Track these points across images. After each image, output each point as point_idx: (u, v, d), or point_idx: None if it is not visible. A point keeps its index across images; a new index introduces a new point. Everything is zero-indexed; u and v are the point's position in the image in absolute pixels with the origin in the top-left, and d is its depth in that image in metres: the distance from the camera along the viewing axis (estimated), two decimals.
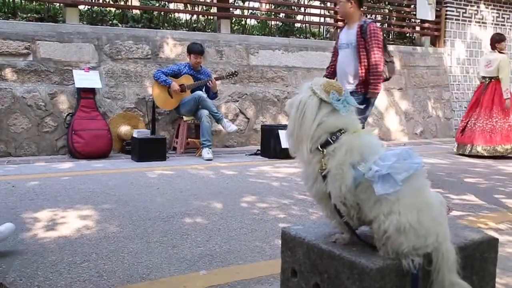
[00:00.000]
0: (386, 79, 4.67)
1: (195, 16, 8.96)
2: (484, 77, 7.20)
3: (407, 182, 1.48)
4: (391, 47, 9.32)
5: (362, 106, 4.37)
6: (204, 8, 8.56)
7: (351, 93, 4.34)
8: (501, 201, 4.12)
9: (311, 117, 1.58)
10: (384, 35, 8.52)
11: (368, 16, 10.67)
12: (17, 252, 2.64)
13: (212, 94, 6.67)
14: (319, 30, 10.40)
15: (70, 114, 6.22)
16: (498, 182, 5.01)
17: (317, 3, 10.07)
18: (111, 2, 7.91)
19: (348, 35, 4.66)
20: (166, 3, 8.15)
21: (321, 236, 1.68)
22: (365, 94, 4.54)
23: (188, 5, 8.13)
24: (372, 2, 10.43)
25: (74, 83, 6.23)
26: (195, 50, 6.59)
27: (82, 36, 6.51)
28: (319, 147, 1.58)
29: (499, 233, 3.06)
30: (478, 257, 1.69)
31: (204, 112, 6.29)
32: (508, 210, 3.82)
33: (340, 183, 1.53)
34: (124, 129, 6.43)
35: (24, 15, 7.00)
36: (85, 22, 7.19)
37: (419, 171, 1.53)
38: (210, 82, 6.55)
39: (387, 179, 1.46)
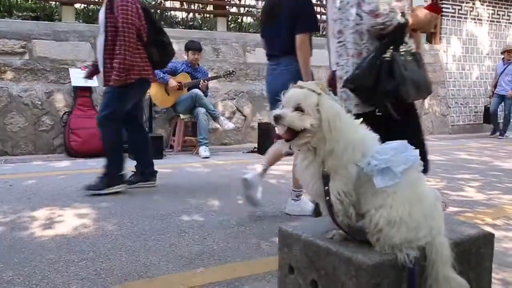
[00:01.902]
0: (157, 63, 4.17)
1: (191, 14, 8.95)
2: None
3: (404, 175, 1.49)
4: None
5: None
6: (201, 6, 8.55)
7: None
8: (498, 197, 4.14)
9: (352, 125, 1.57)
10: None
11: None
12: (15, 250, 2.64)
13: (203, 93, 6.64)
14: None
15: (67, 113, 6.21)
16: (494, 178, 5.03)
17: (313, 1, 10.07)
18: None
19: (101, 13, 3.96)
20: (162, 1, 8.14)
21: (318, 233, 1.69)
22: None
23: (185, 3, 8.13)
24: None
25: (70, 82, 6.23)
26: (192, 46, 6.59)
27: (78, 34, 6.50)
28: None
29: (496, 228, 3.08)
30: (474, 253, 1.70)
31: (201, 110, 6.29)
32: (505, 206, 3.84)
33: (346, 181, 1.53)
34: None
35: (20, 14, 6.98)
36: (81, 21, 7.18)
37: (415, 164, 1.54)
38: (201, 83, 6.54)
39: (386, 172, 1.47)
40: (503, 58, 9.87)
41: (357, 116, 2.06)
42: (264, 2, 3.67)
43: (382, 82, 2.11)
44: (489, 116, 9.97)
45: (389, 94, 2.14)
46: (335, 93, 2.46)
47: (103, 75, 4.03)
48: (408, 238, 1.47)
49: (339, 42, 2.37)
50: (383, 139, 1.61)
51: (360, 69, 2.18)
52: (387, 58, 2.14)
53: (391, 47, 2.16)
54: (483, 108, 10.45)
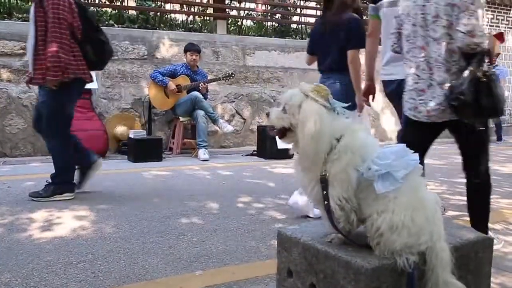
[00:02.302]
0: (94, 62, 3.95)
1: (191, 17, 8.96)
2: None
3: (405, 180, 1.49)
4: None
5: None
6: (200, 9, 8.57)
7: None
8: (496, 201, 4.13)
9: (325, 127, 1.54)
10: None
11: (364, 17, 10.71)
12: (13, 252, 2.63)
13: (202, 95, 6.64)
14: None
15: None
16: (493, 183, 5.00)
17: (313, 4, 10.09)
18: (107, 3, 7.90)
19: (31, 9, 3.78)
20: (162, 3, 8.15)
21: (317, 236, 1.69)
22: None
23: (184, 5, 8.14)
24: (366, 3, 10.45)
25: None
26: (191, 48, 6.61)
27: None
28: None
29: (494, 232, 3.07)
30: (473, 257, 1.70)
31: (200, 113, 6.29)
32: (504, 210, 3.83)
33: (347, 186, 1.53)
34: (120, 129, 6.42)
35: (20, 15, 6.98)
36: None
37: (416, 169, 1.54)
38: (200, 85, 6.54)
39: (387, 177, 1.47)
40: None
41: (424, 124, 2.56)
42: (316, 21, 3.99)
43: (482, 99, 2.33)
44: None
45: (490, 111, 2.39)
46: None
47: (33, 76, 3.74)
48: (409, 243, 1.47)
49: (422, 57, 2.54)
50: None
51: (464, 86, 2.35)
52: (483, 77, 2.34)
53: (480, 67, 2.38)
54: None
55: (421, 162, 2.60)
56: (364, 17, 4.14)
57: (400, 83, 2.96)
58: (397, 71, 3.19)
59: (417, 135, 2.63)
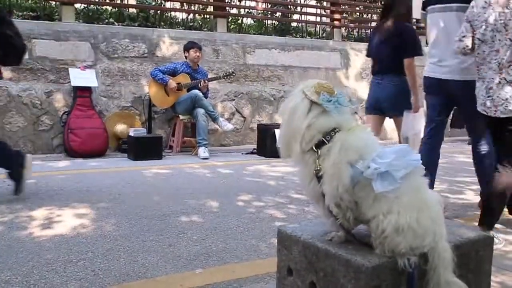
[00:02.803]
0: (2, 57, 3.68)
1: (191, 15, 8.96)
2: None
3: (406, 180, 1.48)
4: None
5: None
6: (201, 7, 8.56)
7: None
8: None
9: (300, 118, 1.59)
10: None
11: (364, 16, 10.70)
12: (13, 250, 2.64)
13: (203, 94, 6.64)
14: (315, 30, 10.41)
15: (66, 113, 6.21)
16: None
17: (313, 3, 10.09)
18: (108, 1, 7.89)
19: None
20: (163, 1, 8.15)
21: (317, 235, 1.68)
22: None
23: (185, 4, 8.13)
24: (368, 1, 10.45)
25: (70, 82, 6.22)
26: (193, 45, 6.59)
27: (78, 34, 6.49)
28: (313, 147, 1.58)
29: (494, 231, 3.07)
30: (473, 256, 1.70)
31: (200, 111, 6.28)
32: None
33: (337, 182, 1.52)
34: (120, 127, 6.42)
35: (20, 13, 6.98)
36: (81, 21, 7.17)
37: (417, 169, 1.53)
38: (201, 83, 6.54)
39: (386, 177, 1.46)
40: None
41: (492, 117, 2.87)
42: (374, 27, 4.74)
43: None
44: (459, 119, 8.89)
45: None
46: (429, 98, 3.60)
47: None
48: (413, 245, 1.45)
49: (496, 59, 2.85)
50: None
51: None
52: None
53: None
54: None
55: (491, 151, 3.17)
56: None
57: (445, 81, 3.45)
58: (442, 71, 3.52)
59: (486, 127, 3.05)
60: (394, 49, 3.93)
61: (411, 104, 3.94)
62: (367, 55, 4.40)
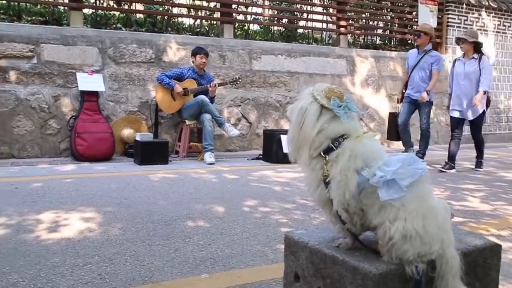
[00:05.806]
0: None
1: (198, 21, 9.00)
2: None
3: (412, 188, 1.48)
4: (393, 53, 9.35)
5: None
6: (208, 13, 8.60)
7: None
8: (502, 208, 4.12)
9: (311, 123, 1.59)
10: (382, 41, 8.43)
11: (370, 23, 10.71)
12: (20, 253, 2.65)
13: (210, 99, 6.66)
14: (321, 36, 10.43)
15: (73, 117, 6.24)
16: (499, 189, 5.01)
17: (319, 9, 10.11)
18: (115, 6, 7.95)
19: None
20: (170, 7, 8.19)
21: (324, 241, 1.69)
22: None
23: (192, 9, 8.18)
24: (374, 9, 10.46)
25: (77, 86, 6.26)
26: (200, 51, 6.62)
27: (86, 39, 6.54)
28: (321, 153, 1.59)
29: (501, 239, 3.06)
30: (481, 263, 1.70)
31: (207, 116, 6.30)
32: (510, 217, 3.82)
33: (344, 189, 1.53)
34: (127, 132, 6.45)
35: (29, 18, 7.04)
36: (89, 26, 7.22)
37: (424, 177, 1.53)
38: (209, 86, 6.56)
39: (392, 185, 1.46)
40: (418, 45, 6.66)
41: None
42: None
43: None
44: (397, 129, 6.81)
45: None
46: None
47: None
48: (421, 252, 1.46)
49: None
50: None
51: None
52: None
53: None
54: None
55: None
56: None
57: None
58: None
59: None
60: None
61: None
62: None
